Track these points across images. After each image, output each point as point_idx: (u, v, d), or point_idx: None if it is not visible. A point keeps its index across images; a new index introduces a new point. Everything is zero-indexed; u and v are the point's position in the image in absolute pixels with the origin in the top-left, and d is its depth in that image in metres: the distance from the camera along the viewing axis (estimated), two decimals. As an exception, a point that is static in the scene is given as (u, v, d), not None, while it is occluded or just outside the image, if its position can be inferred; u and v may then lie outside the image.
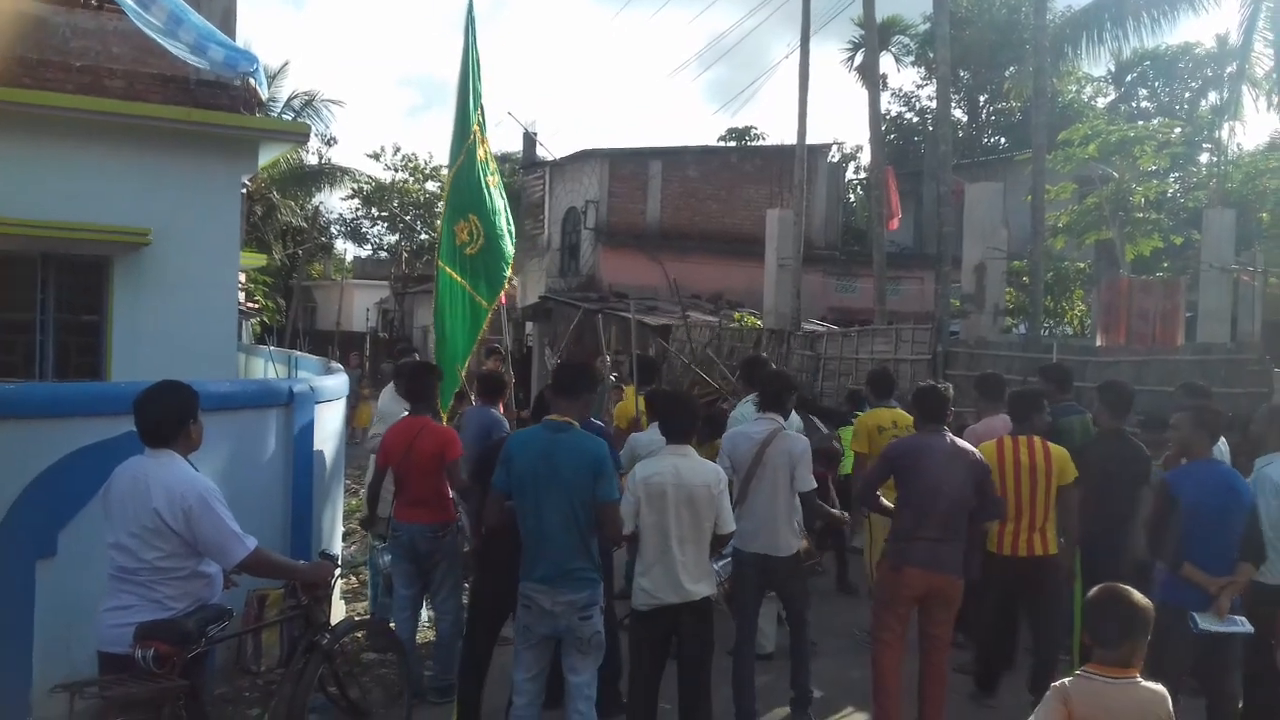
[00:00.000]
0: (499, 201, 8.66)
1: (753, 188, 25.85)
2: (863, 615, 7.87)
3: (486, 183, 8.66)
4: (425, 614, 6.91)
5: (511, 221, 8.89)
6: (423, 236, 42.79)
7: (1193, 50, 28.13)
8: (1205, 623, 4.93)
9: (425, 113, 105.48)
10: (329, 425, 7.42)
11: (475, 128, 8.77)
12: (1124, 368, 10.09)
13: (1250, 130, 51.56)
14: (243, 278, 20.56)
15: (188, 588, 3.99)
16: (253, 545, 4.05)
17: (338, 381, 8.22)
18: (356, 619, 6.90)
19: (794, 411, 6.79)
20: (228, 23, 9.87)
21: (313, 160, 37.06)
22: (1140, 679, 3.28)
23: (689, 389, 12.99)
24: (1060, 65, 22.15)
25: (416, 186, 43.77)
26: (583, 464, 4.66)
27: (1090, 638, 3.36)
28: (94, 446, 5.02)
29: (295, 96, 33.43)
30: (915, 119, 37.86)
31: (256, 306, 27.85)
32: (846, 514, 7.28)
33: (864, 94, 20.03)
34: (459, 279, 8.48)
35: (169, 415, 4.04)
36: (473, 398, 7.91)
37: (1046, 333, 16.40)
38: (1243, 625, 4.99)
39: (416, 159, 44.29)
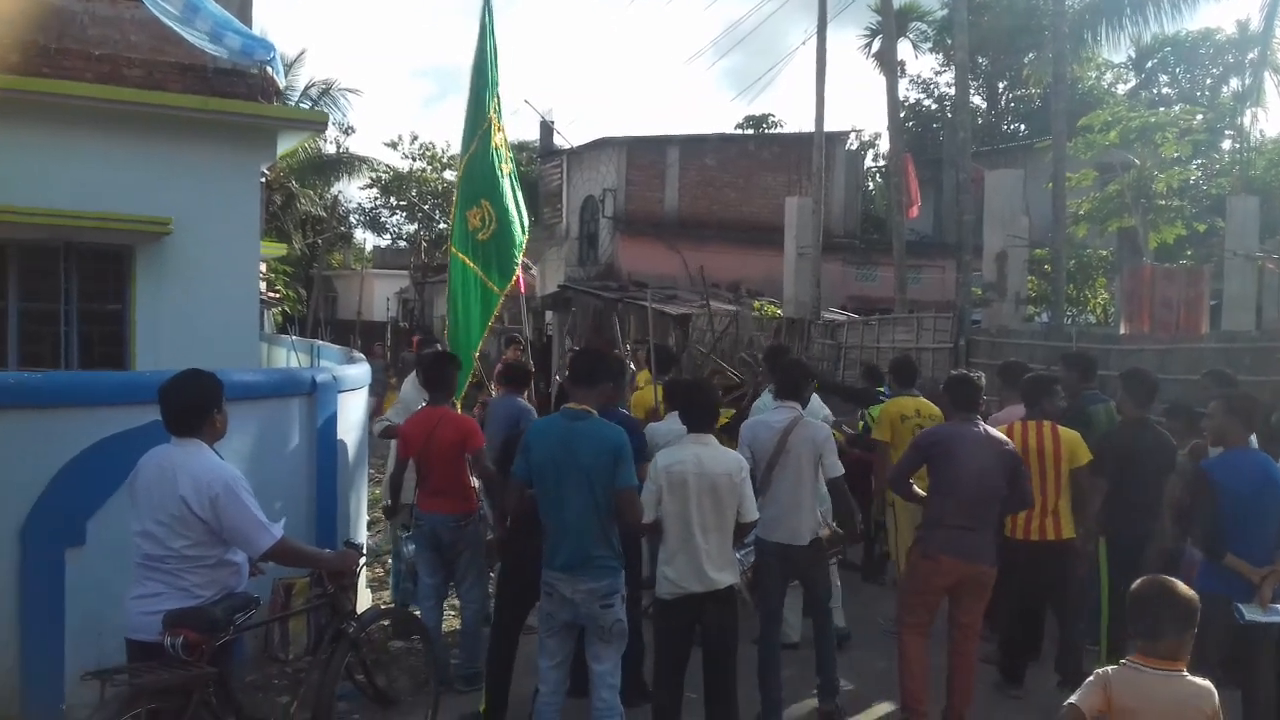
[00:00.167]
0: (512, 188, 8.69)
1: (771, 176, 25.76)
2: (888, 605, 7.86)
3: (500, 169, 8.68)
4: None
5: (523, 208, 8.91)
6: (441, 226, 42.77)
7: (1214, 36, 27.84)
8: (1251, 613, 4.89)
9: (442, 102, 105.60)
10: (352, 414, 7.43)
11: (491, 115, 8.77)
12: (1147, 356, 9.99)
13: (1273, 116, 51.01)
14: (263, 267, 20.59)
15: (214, 576, 4.01)
16: (279, 534, 4.08)
17: (360, 370, 8.24)
18: (383, 607, 6.92)
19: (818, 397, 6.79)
20: (244, 11, 9.89)
21: (331, 149, 37.13)
22: (1187, 673, 3.24)
23: (709, 378, 12.96)
24: (1080, 51, 21.99)
25: (434, 175, 43.76)
26: (602, 451, 4.66)
27: (1135, 631, 3.32)
28: (120, 435, 5.04)
29: (312, 85, 33.55)
30: (934, 106, 37.63)
31: (278, 296, 27.95)
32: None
33: (882, 81, 19.95)
34: (471, 265, 8.52)
35: (194, 404, 4.06)
36: (492, 386, 7.91)
37: (1069, 321, 16.31)
38: None
39: (434, 148, 44.28)
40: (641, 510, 4.78)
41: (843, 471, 5.76)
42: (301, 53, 34.81)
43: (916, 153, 26.93)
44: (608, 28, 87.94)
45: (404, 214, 46.70)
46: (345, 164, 36.04)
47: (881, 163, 36.58)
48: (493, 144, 8.76)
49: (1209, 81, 28.62)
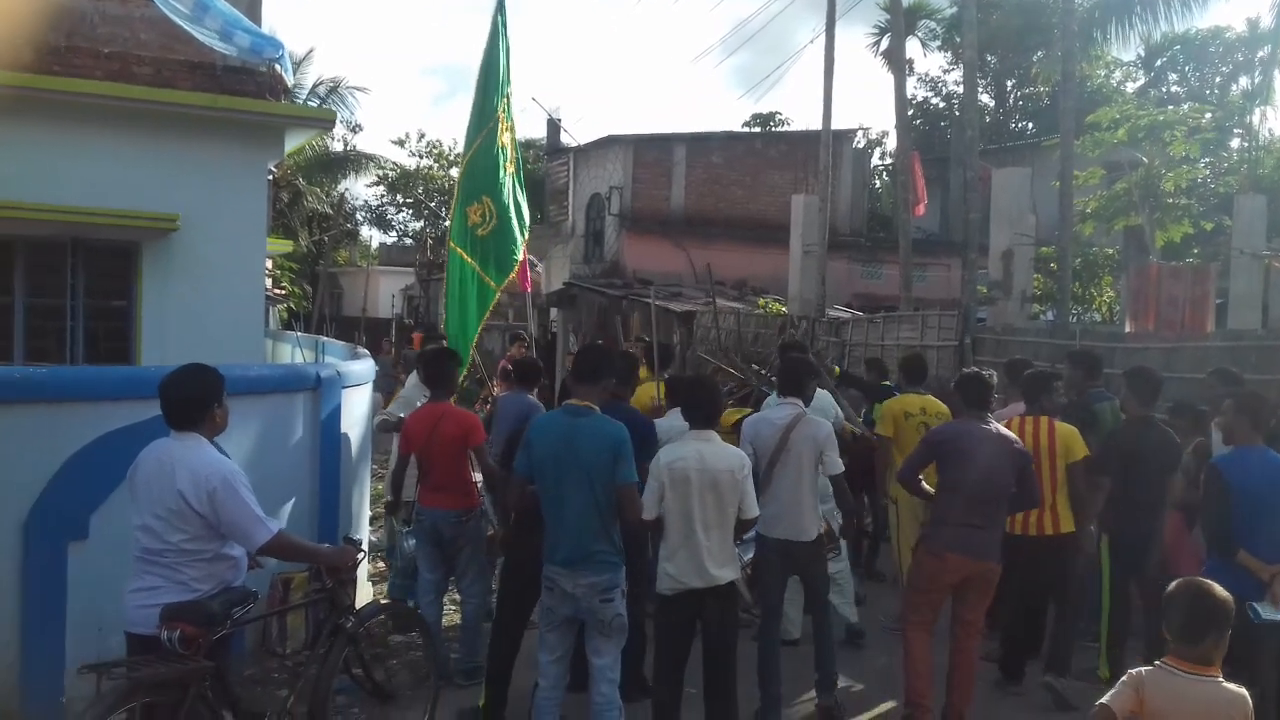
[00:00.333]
0: (514, 187, 8.73)
1: (777, 173, 25.73)
2: (889, 603, 7.87)
3: (503, 167, 8.73)
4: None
5: (524, 207, 8.95)
6: (447, 223, 42.79)
7: (1223, 34, 27.74)
8: (1266, 612, 4.89)
9: (451, 100, 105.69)
10: (356, 410, 7.46)
11: (500, 113, 8.81)
12: (1153, 354, 9.98)
13: (1282, 115, 50.72)
14: (269, 264, 20.66)
15: (212, 570, 4.02)
16: (275, 529, 4.07)
17: (364, 367, 8.27)
18: (382, 602, 6.94)
19: (830, 392, 6.81)
20: (253, 9, 9.93)
21: (338, 147, 37.22)
22: (1221, 678, 3.23)
23: (712, 375, 12.97)
24: (1089, 49, 21.89)
25: (441, 173, 43.78)
26: (602, 447, 4.68)
27: (1170, 633, 3.31)
28: (125, 430, 5.07)
29: (320, 83, 33.63)
30: (942, 104, 37.57)
31: (283, 292, 28.00)
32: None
33: (890, 79, 19.94)
34: (469, 260, 8.57)
35: (194, 398, 4.07)
36: (495, 383, 7.95)
37: (1074, 319, 16.27)
38: None
39: (441, 146, 44.29)
40: (642, 506, 4.79)
41: (843, 469, 5.77)
42: (310, 51, 34.82)
43: (924, 151, 26.90)
44: (615, 25, 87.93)
45: (410, 211, 46.78)
46: (352, 162, 36.12)
47: (888, 160, 36.52)
48: (498, 142, 8.80)
49: (1218, 80, 28.52)
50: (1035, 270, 15.12)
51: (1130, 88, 29.89)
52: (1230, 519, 5.13)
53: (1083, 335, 11.58)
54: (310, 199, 32.65)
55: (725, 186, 25.59)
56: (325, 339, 16.48)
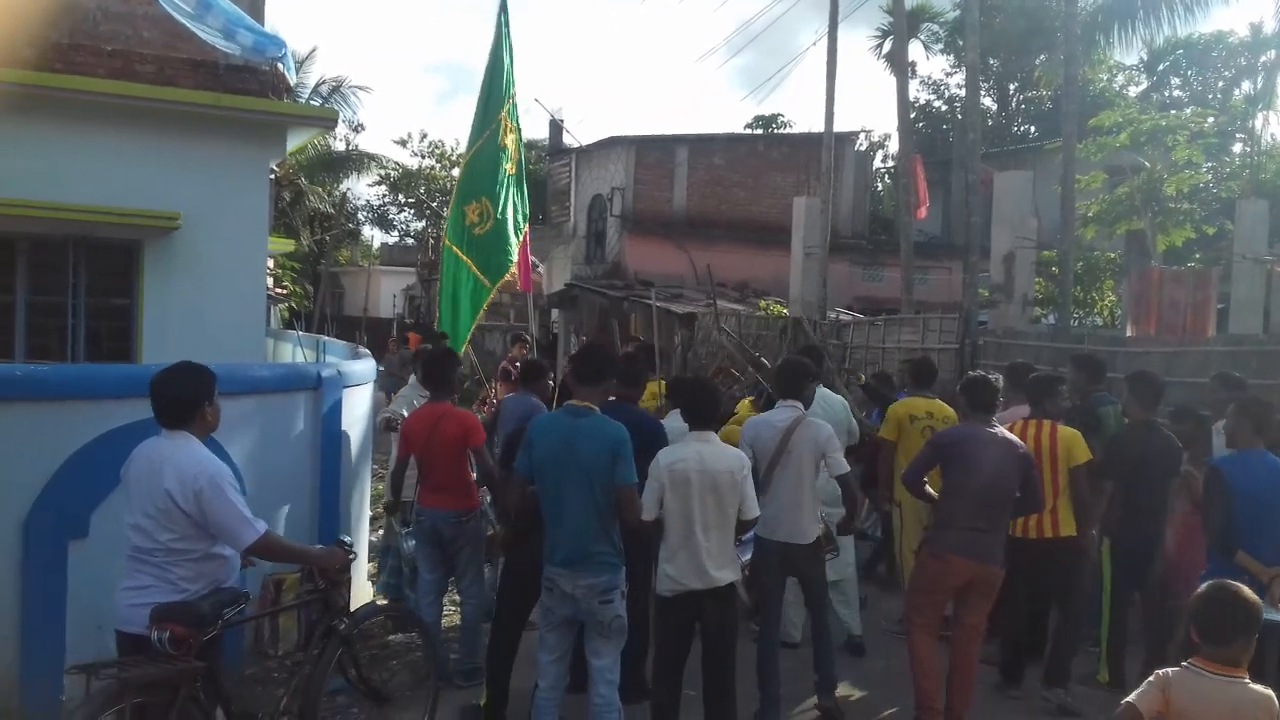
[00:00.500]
0: (512, 188, 8.75)
1: (780, 176, 25.73)
2: (889, 605, 7.86)
3: (504, 168, 8.75)
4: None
5: (521, 209, 8.96)
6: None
7: (1226, 39, 27.70)
8: (1267, 613, 4.89)
9: (452, 100, 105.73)
10: (357, 409, 7.46)
11: (503, 114, 8.83)
12: (1154, 359, 9.97)
13: (1285, 120, 50.66)
14: (271, 263, 20.66)
15: (202, 569, 3.99)
16: (262, 529, 4.03)
17: (365, 366, 8.27)
18: (379, 603, 6.94)
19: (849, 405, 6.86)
20: (256, 8, 9.92)
21: (340, 146, 37.23)
22: (1248, 680, 3.23)
23: (713, 376, 12.97)
24: (1092, 53, 21.88)
25: (443, 173, 43.83)
26: (602, 448, 4.67)
27: (1199, 635, 3.32)
28: (125, 428, 5.05)
29: (323, 82, 33.63)
30: (944, 107, 37.55)
31: (285, 292, 28.02)
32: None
33: (892, 81, 19.88)
34: (465, 258, 8.60)
35: (185, 397, 4.04)
36: (494, 384, 7.95)
37: (1076, 323, 16.26)
38: None
39: (443, 146, 44.38)
40: (641, 507, 4.79)
41: (849, 469, 5.77)
42: (313, 50, 34.84)
43: (926, 154, 26.91)
44: (618, 26, 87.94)
45: (412, 211, 46.83)
46: (354, 161, 36.13)
47: (891, 163, 36.53)
48: (500, 142, 8.81)
49: (1221, 84, 28.46)
50: (1037, 274, 15.12)
51: (1133, 92, 29.86)
52: (1230, 520, 5.19)
53: (1084, 339, 11.57)
54: (312, 198, 32.67)
55: (727, 188, 25.60)
56: (326, 338, 16.50)
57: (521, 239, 9.08)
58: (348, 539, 4.78)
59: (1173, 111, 20.29)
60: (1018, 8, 31.29)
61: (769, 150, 26.78)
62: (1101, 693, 6.17)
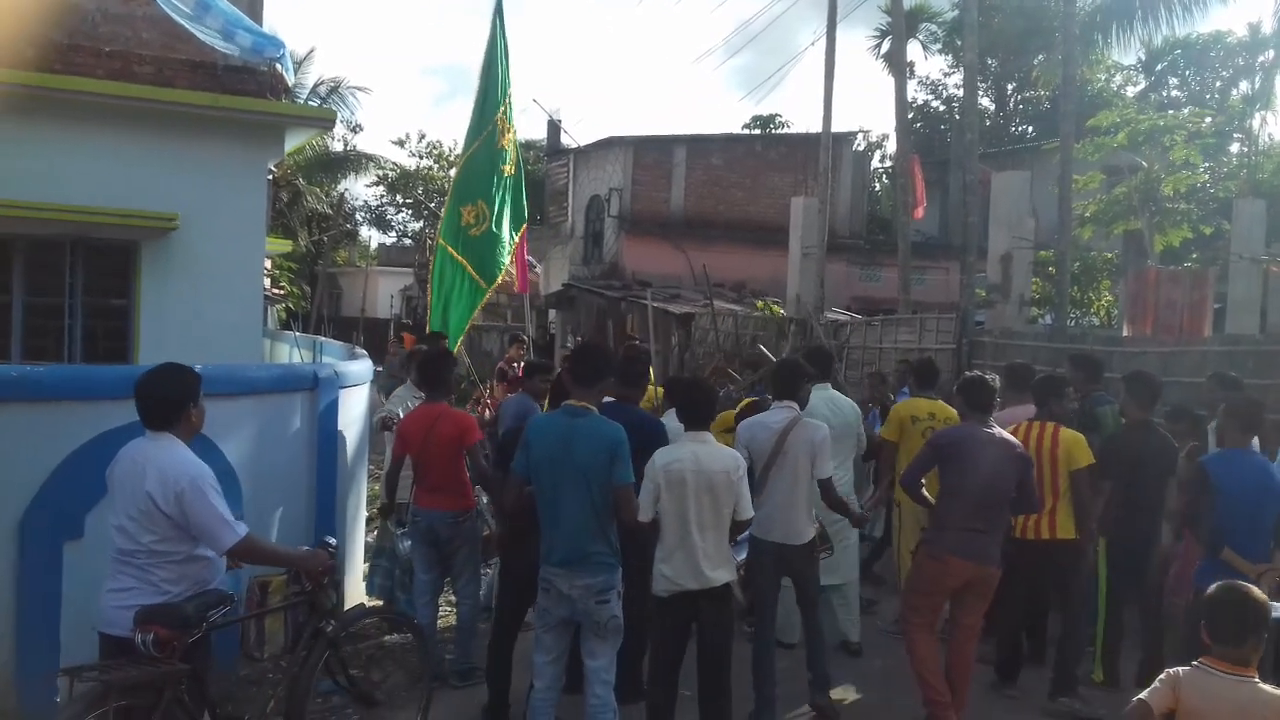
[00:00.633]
0: (510, 192, 8.77)
1: (777, 176, 25.76)
2: (885, 606, 7.86)
3: (501, 170, 8.77)
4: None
5: (517, 209, 8.97)
6: (444, 222, 42.83)
7: (1224, 39, 27.74)
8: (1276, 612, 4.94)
9: (450, 101, 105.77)
10: (353, 410, 7.47)
11: (499, 116, 8.84)
12: (1150, 359, 9.99)
13: (1282, 120, 50.73)
14: (268, 264, 20.64)
15: (185, 571, 3.97)
16: (243, 532, 4.01)
17: (362, 367, 8.27)
18: (369, 605, 6.92)
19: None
20: (254, 9, 9.92)
21: (338, 147, 37.22)
22: (1258, 680, 3.27)
23: (709, 376, 12.98)
24: (1090, 53, 21.89)
25: (441, 174, 43.80)
26: (599, 448, 4.66)
27: (1210, 636, 3.35)
28: (121, 429, 5.03)
29: (321, 83, 33.65)
30: (942, 107, 37.60)
31: (282, 292, 27.99)
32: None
33: (890, 82, 19.90)
34: (460, 258, 8.62)
35: (169, 398, 4.02)
36: (490, 384, 7.95)
37: (1073, 323, 16.27)
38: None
39: (441, 146, 44.34)
40: (638, 508, 4.79)
41: (830, 474, 5.76)
42: (311, 50, 34.85)
43: (924, 154, 26.92)
44: (616, 27, 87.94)
45: (410, 212, 46.81)
46: (352, 162, 36.13)
47: (888, 163, 36.56)
48: (497, 145, 8.83)
49: (1218, 84, 28.49)
50: (1034, 274, 15.13)
51: (1130, 92, 29.88)
52: (1207, 516, 5.30)
53: (1081, 339, 11.58)
54: (310, 199, 32.67)
55: (725, 188, 25.61)
56: (323, 339, 16.50)
57: (518, 241, 9.10)
58: (332, 541, 4.74)
59: (1170, 111, 20.33)
60: (1016, 8, 31.32)
61: (767, 150, 26.81)
62: (1097, 692, 6.18)
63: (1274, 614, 4.90)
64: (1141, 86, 30.24)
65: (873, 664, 6.81)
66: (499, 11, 8.94)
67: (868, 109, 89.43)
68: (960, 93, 32.31)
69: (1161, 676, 3.35)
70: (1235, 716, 3.21)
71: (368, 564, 8.13)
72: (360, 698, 5.00)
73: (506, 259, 8.91)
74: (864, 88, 71.37)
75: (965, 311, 12.87)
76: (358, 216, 46.28)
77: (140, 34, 9.41)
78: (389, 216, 48.20)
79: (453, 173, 42.05)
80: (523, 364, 8.65)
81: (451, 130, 51.44)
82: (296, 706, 4.46)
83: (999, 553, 5.57)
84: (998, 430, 5.65)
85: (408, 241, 46.84)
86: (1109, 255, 18.96)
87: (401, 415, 6.88)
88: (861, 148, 30.70)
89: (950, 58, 35.39)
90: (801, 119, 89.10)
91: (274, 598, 4.58)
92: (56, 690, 4.89)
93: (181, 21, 8.14)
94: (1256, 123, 19.68)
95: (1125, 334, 12.65)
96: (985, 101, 34.37)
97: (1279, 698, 3.25)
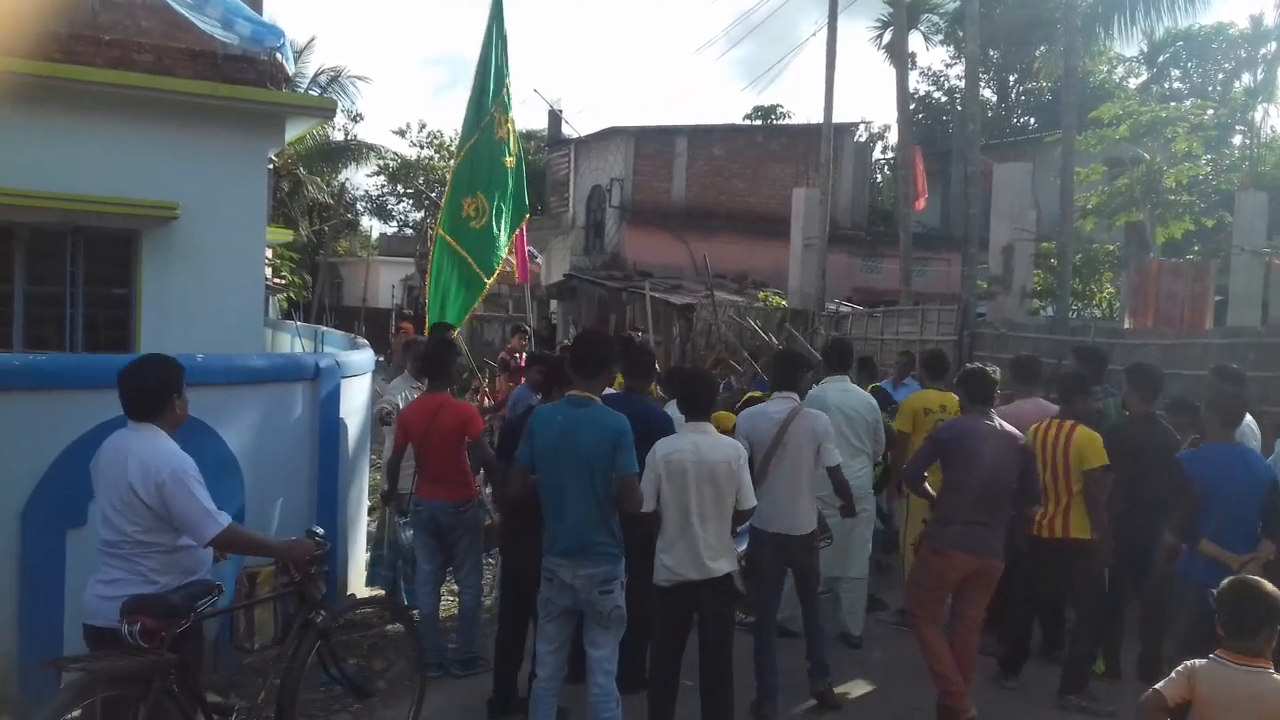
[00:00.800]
0: (509, 184, 8.76)
1: (779, 167, 25.73)
2: (886, 598, 7.85)
3: (503, 163, 8.76)
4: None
5: (514, 203, 8.95)
6: (444, 214, 42.81)
7: (1226, 31, 27.67)
8: None
9: (451, 90, 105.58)
10: (355, 399, 7.46)
11: (494, 110, 8.83)
12: (1151, 351, 10.00)
13: (1284, 112, 50.58)
14: (269, 253, 20.66)
15: (171, 561, 3.95)
16: (225, 523, 3.97)
17: (363, 356, 8.27)
18: (358, 596, 6.90)
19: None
20: (255, -3, 9.89)
21: (339, 136, 37.22)
22: (1272, 670, 3.33)
23: (711, 367, 12.99)
24: (1092, 45, 21.85)
25: (442, 164, 43.78)
26: (602, 438, 4.66)
27: (1224, 629, 3.42)
28: (122, 418, 5.06)
29: (322, 72, 33.59)
30: (944, 98, 37.52)
31: (283, 282, 28.00)
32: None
33: (892, 73, 19.85)
34: (460, 250, 8.61)
35: (152, 389, 3.99)
36: (492, 374, 7.95)
37: (1074, 315, 16.27)
38: None
39: (442, 136, 44.40)
40: (641, 497, 4.79)
41: (839, 461, 5.77)
42: (311, 39, 34.94)
43: (925, 145, 26.88)
44: (618, 17, 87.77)
45: (410, 202, 46.80)
46: (353, 151, 36.08)
47: (890, 155, 36.49)
48: (496, 136, 8.81)
49: (1221, 76, 28.43)
50: (1035, 266, 15.14)
51: (1133, 83, 29.85)
52: (1185, 509, 5.36)
53: (1082, 331, 11.58)
54: (311, 188, 32.63)
55: (726, 179, 25.58)
56: (324, 329, 16.49)
57: (517, 232, 9.09)
58: (319, 530, 4.71)
59: (1172, 104, 20.29)
60: (1018, -1, 31.22)
61: (768, 141, 26.77)
62: (1099, 683, 6.17)
63: None
64: (1144, 78, 30.20)
65: (873, 655, 6.82)
66: (497, 3, 8.92)
67: (869, 100, 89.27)
68: (962, 84, 32.23)
69: (1179, 668, 3.43)
70: (1249, 706, 3.29)
71: (369, 553, 8.14)
72: (354, 689, 4.97)
73: (503, 254, 8.91)
74: (865, 79, 71.42)
75: (967, 303, 12.88)
76: (359, 206, 46.30)
77: (140, 23, 9.38)
78: (390, 206, 48.25)
79: (453, 163, 42.23)
80: (525, 354, 8.66)
81: (452, 120, 51.56)
82: (288, 697, 4.44)
83: (1001, 545, 5.57)
84: (999, 422, 5.64)
85: (409, 231, 46.80)
86: (1110, 247, 18.96)
87: (401, 405, 6.88)
88: (863, 139, 30.70)
89: (952, 49, 35.28)
90: (803, 110, 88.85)
91: (262, 588, 4.55)
92: (59, 678, 4.90)
93: (181, 10, 8.12)
94: (1259, 115, 19.67)
95: (1127, 326, 12.66)
96: (987, 93, 34.32)
97: None
